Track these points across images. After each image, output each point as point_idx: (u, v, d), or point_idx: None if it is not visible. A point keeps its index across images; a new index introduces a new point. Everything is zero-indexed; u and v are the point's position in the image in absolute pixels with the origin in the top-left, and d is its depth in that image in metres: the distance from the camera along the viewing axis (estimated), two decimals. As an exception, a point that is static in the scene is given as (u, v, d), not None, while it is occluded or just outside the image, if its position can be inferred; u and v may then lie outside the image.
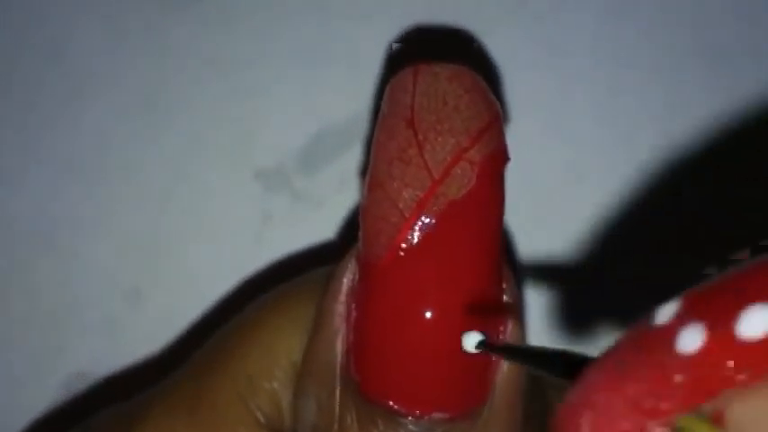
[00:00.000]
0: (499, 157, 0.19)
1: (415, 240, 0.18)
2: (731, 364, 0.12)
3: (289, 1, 0.28)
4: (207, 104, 0.28)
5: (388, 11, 0.28)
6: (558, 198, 0.28)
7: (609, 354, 0.13)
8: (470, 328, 0.18)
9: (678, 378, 0.12)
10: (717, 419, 0.12)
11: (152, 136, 0.28)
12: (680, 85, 0.28)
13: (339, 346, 0.19)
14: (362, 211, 0.19)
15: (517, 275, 0.27)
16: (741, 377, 0.12)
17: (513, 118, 0.27)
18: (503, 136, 0.19)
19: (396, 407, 0.19)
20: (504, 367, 0.19)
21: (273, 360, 0.20)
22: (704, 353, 0.12)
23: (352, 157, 0.28)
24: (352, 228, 0.28)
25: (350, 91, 0.28)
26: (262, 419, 0.20)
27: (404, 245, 0.18)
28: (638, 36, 0.28)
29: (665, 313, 0.13)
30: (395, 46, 0.27)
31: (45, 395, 0.28)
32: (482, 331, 0.18)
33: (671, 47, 0.28)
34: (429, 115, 0.19)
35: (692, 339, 0.12)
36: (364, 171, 0.19)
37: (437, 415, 0.19)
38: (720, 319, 0.12)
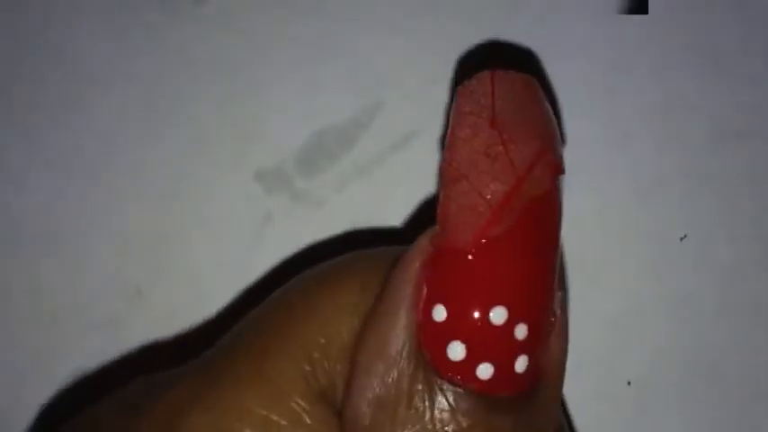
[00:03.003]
0: (562, 167, 0.21)
1: (499, 231, 0.20)
2: None
3: (289, 2, 0.28)
4: (208, 105, 0.28)
5: (388, 11, 0.28)
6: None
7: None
8: (541, 320, 0.20)
9: None
10: None
11: (153, 136, 0.28)
12: (679, 87, 0.28)
13: (407, 324, 0.20)
14: (445, 199, 0.20)
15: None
16: None
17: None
18: (562, 149, 0.21)
19: (470, 386, 0.20)
20: (552, 354, 0.21)
21: (331, 337, 0.21)
22: None
23: (353, 157, 0.28)
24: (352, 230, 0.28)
25: (350, 91, 0.28)
26: (318, 391, 0.21)
27: (489, 234, 0.20)
28: (636, 37, 0.28)
29: None
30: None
31: (46, 395, 0.28)
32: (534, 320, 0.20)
33: (669, 48, 0.28)
34: (511, 117, 0.20)
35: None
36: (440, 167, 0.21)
37: (504, 393, 0.20)
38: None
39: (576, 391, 0.27)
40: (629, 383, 0.28)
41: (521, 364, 0.20)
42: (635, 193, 0.28)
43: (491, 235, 0.20)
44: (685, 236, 0.28)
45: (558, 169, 0.20)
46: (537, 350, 0.21)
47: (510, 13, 0.28)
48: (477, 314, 0.20)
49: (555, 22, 0.28)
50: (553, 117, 0.21)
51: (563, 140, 0.21)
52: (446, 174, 0.21)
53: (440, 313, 0.20)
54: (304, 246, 0.28)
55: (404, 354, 0.20)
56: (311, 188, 0.28)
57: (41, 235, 0.28)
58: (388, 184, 0.28)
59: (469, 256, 0.20)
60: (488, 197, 0.20)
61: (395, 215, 0.28)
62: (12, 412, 0.28)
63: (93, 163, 0.28)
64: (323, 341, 0.21)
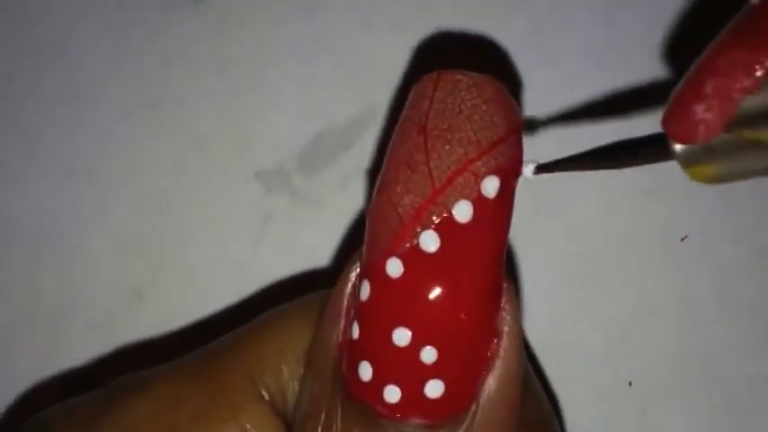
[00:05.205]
0: (509, 171, 0.19)
1: (408, 248, 0.18)
2: None
3: (289, 2, 0.28)
4: (208, 105, 0.28)
5: (388, 11, 0.28)
6: (556, 197, 0.28)
7: (724, 32, 0.16)
8: (457, 345, 0.18)
9: None
10: None
11: (153, 136, 0.28)
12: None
13: (335, 342, 0.20)
14: (368, 212, 0.19)
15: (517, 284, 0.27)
16: None
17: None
18: (518, 149, 0.19)
19: (378, 409, 0.19)
20: (492, 379, 0.19)
21: (284, 345, 0.21)
22: None
23: (352, 157, 0.28)
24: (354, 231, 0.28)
25: (350, 91, 0.28)
26: (266, 396, 0.21)
27: (398, 251, 0.18)
28: (636, 36, 0.28)
29: None
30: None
31: (45, 395, 0.28)
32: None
33: (668, 46, 0.28)
34: (441, 123, 0.19)
35: None
36: (376, 172, 0.20)
37: (416, 420, 0.19)
38: None
39: (577, 391, 0.27)
40: (629, 384, 0.28)
41: (432, 388, 0.19)
42: (636, 194, 0.28)
43: (399, 252, 0.18)
44: (686, 236, 0.28)
45: (494, 175, 0.19)
46: (456, 375, 0.19)
47: (510, 14, 0.28)
48: (379, 334, 0.19)
49: (555, 22, 0.28)
50: (508, 117, 0.19)
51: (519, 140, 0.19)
52: (376, 184, 0.19)
53: (355, 331, 0.19)
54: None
55: (328, 371, 0.20)
56: (311, 188, 0.28)
57: (41, 235, 0.28)
58: (389, 184, 0.28)
59: (377, 274, 0.19)
60: (400, 211, 0.18)
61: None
62: (12, 412, 0.28)
63: (92, 162, 0.28)
64: (278, 346, 0.21)
